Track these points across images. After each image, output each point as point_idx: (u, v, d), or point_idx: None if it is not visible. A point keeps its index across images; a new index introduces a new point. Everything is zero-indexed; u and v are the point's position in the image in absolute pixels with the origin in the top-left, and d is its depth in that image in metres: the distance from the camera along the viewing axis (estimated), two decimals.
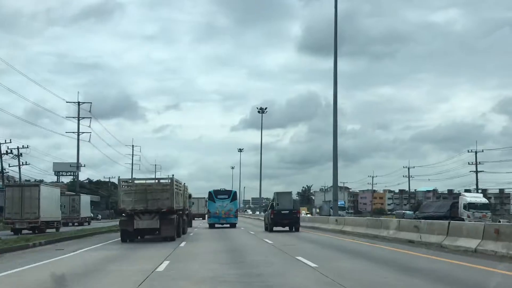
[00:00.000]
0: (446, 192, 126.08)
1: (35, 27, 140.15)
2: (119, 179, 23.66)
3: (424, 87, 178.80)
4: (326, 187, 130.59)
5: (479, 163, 73.59)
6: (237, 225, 40.42)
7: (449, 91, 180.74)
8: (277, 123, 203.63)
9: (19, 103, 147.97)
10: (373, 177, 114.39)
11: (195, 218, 61.86)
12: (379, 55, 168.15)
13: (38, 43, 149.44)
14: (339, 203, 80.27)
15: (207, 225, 40.75)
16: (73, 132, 59.73)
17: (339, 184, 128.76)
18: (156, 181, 24.21)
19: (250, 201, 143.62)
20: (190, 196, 38.18)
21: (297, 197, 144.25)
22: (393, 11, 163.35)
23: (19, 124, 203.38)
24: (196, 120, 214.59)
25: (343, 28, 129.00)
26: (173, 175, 23.86)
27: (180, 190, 26.64)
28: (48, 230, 33.79)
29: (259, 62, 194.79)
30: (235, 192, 42.03)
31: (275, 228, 31.70)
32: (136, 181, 24.12)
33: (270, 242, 21.25)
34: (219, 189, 41.54)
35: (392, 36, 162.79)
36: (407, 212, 77.95)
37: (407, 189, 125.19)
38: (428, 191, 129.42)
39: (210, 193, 41.04)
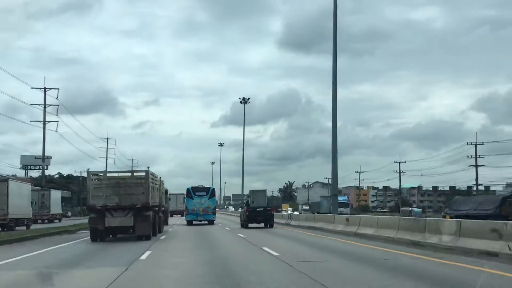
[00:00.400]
0: (431, 189, 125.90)
1: (13, 21, 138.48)
2: (88, 172, 21.47)
3: (404, 84, 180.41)
4: (309, 183, 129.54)
5: (469, 157, 71.60)
6: (215, 222, 40.17)
7: (429, 88, 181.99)
8: (257, 120, 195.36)
9: None
10: (360, 172, 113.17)
11: (173, 215, 60.72)
12: (359, 52, 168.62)
13: (16, 37, 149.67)
14: (342, 198, 76.28)
15: (185, 222, 40.11)
16: (39, 121, 56.30)
17: (321, 181, 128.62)
18: (130, 174, 22.04)
19: (231, 198, 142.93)
20: (166, 191, 36.70)
21: (279, 194, 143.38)
22: (374, 8, 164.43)
23: None
24: (176, 116, 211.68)
25: (324, 25, 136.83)
26: (148, 168, 21.76)
27: (156, 184, 24.59)
28: (18, 228, 31.97)
29: (240, 58, 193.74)
30: (213, 189, 41.84)
31: (250, 225, 32.79)
32: (107, 174, 21.88)
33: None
34: (197, 185, 41.40)
35: (373, 34, 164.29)
36: (415, 209, 73.78)
37: (390, 185, 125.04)
38: (413, 188, 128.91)
39: (188, 190, 40.70)
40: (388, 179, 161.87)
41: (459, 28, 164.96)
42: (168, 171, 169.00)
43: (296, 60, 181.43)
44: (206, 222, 38.83)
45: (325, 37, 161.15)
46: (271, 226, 32.36)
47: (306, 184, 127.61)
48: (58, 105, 56.40)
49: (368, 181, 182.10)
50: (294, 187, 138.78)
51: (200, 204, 39.24)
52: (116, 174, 21.93)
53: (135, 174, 22.01)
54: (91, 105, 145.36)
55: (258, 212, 32.75)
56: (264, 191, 38.03)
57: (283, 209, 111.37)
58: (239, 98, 70.08)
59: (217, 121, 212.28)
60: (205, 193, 39.93)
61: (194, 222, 38.56)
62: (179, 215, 61.71)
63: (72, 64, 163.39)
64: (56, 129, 56.75)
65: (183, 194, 52.89)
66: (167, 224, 36.35)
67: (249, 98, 70.70)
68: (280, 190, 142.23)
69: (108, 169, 69.34)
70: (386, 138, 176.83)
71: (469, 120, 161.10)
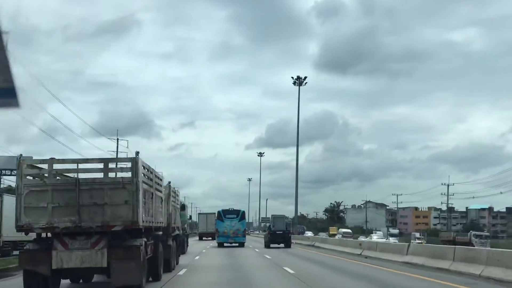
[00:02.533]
0: (505, 210, 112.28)
1: (51, 44, 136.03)
2: (19, 159, 11.55)
3: (442, 106, 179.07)
4: (361, 203, 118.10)
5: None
6: (245, 244, 41.65)
7: (467, 110, 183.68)
8: (292, 142, 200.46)
9: (38, 120, 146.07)
10: (397, 195, 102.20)
11: (203, 238, 57.76)
12: (396, 73, 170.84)
13: (54, 60, 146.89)
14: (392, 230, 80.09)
15: (215, 247, 40.18)
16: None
17: (367, 201, 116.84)
18: (102, 165, 12.11)
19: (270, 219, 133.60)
20: (184, 207, 28.92)
21: (324, 215, 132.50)
22: (412, 29, 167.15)
23: (36, 141, 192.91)
24: (211, 138, 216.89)
25: (360, 47, 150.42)
26: (137, 154, 11.79)
27: (159, 191, 14.82)
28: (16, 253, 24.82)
29: (274, 81, 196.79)
30: (243, 211, 43.37)
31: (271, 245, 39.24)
32: (56, 165, 11.85)
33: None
34: (227, 208, 43.20)
35: (410, 54, 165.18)
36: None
37: (456, 207, 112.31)
38: (483, 209, 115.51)
39: (218, 212, 42.81)
40: (442, 202, 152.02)
41: (498, 49, 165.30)
42: (202, 193, 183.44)
43: (331, 82, 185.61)
44: (237, 244, 40.65)
45: (362, 58, 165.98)
46: (289, 247, 38.57)
47: (356, 205, 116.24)
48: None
49: (407, 204, 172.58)
50: (342, 207, 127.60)
51: (230, 226, 40.93)
52: (73, 166, 12.13)
53: (111, 165, 12.18)
54: (128, 128, 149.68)
55: (277, 234, 39.47)
56: (283, 216, 44.41)
57: (330, 232, 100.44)
58: (292, 78, 65.06)
59: (251, 143, 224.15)
60: (235, 216, 41.67)
61: (224, 244, 40.35)
62: (210, 238, 56.83)
63: (109, 87, 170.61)
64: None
65: (214, 213, 52.39)
66: (184, 252, 27.41)
67: (305, 78, 65.51)
68: (326, 210, 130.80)
69: None
70: (423, 161, 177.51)
71: (509, 142, 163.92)
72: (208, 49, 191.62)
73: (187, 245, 32.28)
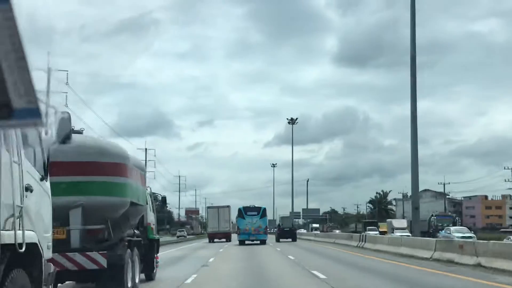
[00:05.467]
0: None
1: (68, 45, 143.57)
2: None
3: (464, 99, 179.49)
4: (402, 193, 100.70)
5: None
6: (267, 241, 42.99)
7: (489, 103, 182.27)
8: (312, 139, 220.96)
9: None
10: (444, 184, 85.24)
11: (215, 240, 51.04)
12: (418, 65, 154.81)
13: (72, 62, 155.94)
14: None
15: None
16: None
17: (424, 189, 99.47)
18: None
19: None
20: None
21: (369, 207, 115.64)
22: (434, 20, 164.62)
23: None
24: (229, 137, 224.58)
25: (381, 38, 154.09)
26: None
27: None
28: None
29: (293, 78, 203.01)
30: (265, 208, 44.77)
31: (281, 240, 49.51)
32: None
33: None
34: (248, 205, 44.90)
35: (433, 46, 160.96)
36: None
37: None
38: None
39: (239, 209, 44.17)
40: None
41: None
42: (222, 192, 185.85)
43: (351, 77, 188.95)
44: (258, 242, 41.90)
45: (382, 51, 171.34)
46: (294, 241, 49.38)
47: (408, 194, 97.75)
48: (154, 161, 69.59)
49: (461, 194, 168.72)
50: (390, 199, 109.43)
51: (251, 224, 42.60)
52: None
53: None
54: (147, 128, 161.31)
55: (285, 231, 51.74)
56: (290, 216, 75.02)
57: (380, 229, 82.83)
58: (287, 119, 77.62)
59: (270, 141, 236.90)
60: (256, 213, 43.44)
61: (246, 242, 41.74)
62: (223, 240, 51.05)
63: (127, 88, 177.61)
64: (154, 177, 66.18)
65: (227, 207, 52.48)
66: (152, 270, 15.41)
67: (296, 119, 78.22)
68: (370, 202, 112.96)
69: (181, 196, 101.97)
70: (445, 155, 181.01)
71: None
72: (225, 47, 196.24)
73: (156, 265, 15.45)
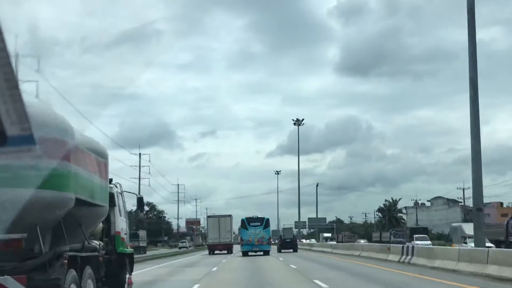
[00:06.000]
0: None
1: (70, 57, 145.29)
2: None
3: (466, 108, 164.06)
4: (415, 200, 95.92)
5: None
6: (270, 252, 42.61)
7: (492, 112, 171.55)
8: (314, 149, 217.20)
9: None
10: (464, 189, 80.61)
11: (216, 252, 49.00)
12: (420, 74, 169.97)
13: (74, 74, 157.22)
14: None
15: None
16: (135, 178, 71.56)
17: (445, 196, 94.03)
18: None
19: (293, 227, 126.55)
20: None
21: (377, 215, 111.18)
22: (437, 29, 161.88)
23: None
24: (232, 147, 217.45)
25: (383, 47, 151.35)
26: None
27: None
28: None
29: (294, 88, 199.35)
30: (268, 219, 44.65)
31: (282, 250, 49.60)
32: None
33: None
34: (251, 216, 44.80)
35: (435, 55, 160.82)
36: None
37: None
38: None
39: (242, 220, 44.40)
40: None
41: None
42: (225, 203, 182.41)
43: (353, 86, 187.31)
44: (262, 252, 42.12)
45: (384, 60, 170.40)
46: (296, 251, 49.73)
47: (419, 201, 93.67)
48: (149, 166, 73.27)
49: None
50: (400, 207, 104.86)
51: (255, 234, 42.56)
52: None
53: None
54: (149, 139, 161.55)
55: (287, 242, 52.20)
56: (291, 228, 72.89)
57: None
58: (293, 120, 77.05)
59: (273, 151, 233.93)
60: (259, 224, 43.51)
61: (249, 253, 41.77)
62: (225, 251, 48.90)
63: (128, 99, 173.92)
64: (149, 184, 76.38)
65: (229, 216, 51.07)
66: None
67: (303, 119, 76.79)
68: (379, 210, 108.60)
69: (180, 207, 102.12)
70: (448, 164, 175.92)
71: None
72: (226, 58, 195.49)
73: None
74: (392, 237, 66.99)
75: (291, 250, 49.60)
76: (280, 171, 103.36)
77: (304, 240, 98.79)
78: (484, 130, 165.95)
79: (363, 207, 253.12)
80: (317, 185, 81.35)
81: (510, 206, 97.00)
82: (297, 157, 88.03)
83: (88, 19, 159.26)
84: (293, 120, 77.12)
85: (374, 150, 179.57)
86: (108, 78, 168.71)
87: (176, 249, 77.96)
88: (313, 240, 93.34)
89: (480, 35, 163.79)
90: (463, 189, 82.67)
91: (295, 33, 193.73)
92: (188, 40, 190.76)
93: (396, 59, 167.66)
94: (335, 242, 67.92)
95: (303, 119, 77.04)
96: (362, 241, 69.09)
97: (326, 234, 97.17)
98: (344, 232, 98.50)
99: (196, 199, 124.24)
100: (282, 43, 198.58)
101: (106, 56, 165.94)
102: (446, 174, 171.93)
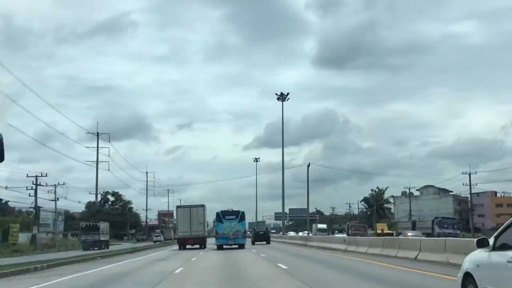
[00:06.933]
0: None
1: (45, 48, 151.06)
2: None
3: (441, 101, 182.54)
4: (409, 189, 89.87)
5: None
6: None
7: (466, 105, 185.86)
8: (291, 141, 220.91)
9: (29, 127, 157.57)
10: (470, 173, 74.92)
11: (187, 247, 45.87)
12: (396, 67, 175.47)
13: (48, 65, 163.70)
14: (321, 226, 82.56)
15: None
16: (91, 161, 73.89)
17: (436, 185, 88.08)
18: None
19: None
20: None
21: (363, 206, 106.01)
22: (413, 22, 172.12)
23: (29, 147, 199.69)
24: (209, 140, 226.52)
25: (360, 39, 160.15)
26: None
27: None
28: None
29: (271, 81, 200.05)
30: (243, 212, 44.08)
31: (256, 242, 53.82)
32: None
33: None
34: (226, 209, 44.16)
35: (411, 48, 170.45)
36: None
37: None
38: None
39: (217, 213, 43.66)
40: None
41: (496, 42, 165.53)
42: (201, 196, 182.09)
43: (330, 79, 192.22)
44: (237, 246, 42.16)
45: (361, 52, 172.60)
46: (269, 243, 53.74)
47: (408, 191, 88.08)
48: (109, 148, 71.37)
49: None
50: (387, 197, 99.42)
51: (230, 228, 42.34)
52: None
53: None
54: (124, 132, 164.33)
55: (260, 235, 56.43)
56: (264, 221, 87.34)
57: (378, 230, 73.22)
58: (276, 94, 72.34)
59: (250, 144, 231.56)
60: (234, 217, 43.04)
61: (224, 247, 41.90)
62: (197, 246, 45.88)
63: (104, 92, 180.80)
64: (108, 169, 76.06)
65: (202, 206, 47.25)
66: None
67: (287, 94, 72.16)
68: (364, 200, 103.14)
69: (148, 199, 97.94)
70: (423, 157, 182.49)
71: (510, 136, 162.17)
72: (203, 50, 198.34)
73: None
74: (437, 227, 57.81)
75: (264, 242, 53.67)
76: (259, 158, 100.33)
77: (293, 233, 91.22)
78: (457, 123, 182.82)
79: (340, 199, 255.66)
80: (308, 165, 74.45)
81: (508, 195, 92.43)
82: (273, 150, 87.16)
83: (62, 9, 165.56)
84: (276, 94, 72.85)
85: (350, 143, 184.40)
86: (83, 69, 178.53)
87: (141, 244, 71.92)
88: (303, 232, 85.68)
89: (455, 28, 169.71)
90: (469, 174, 75.61)
91: (272, 25, 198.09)
92: (165, 31, 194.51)
93: (372, 52, 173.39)
94: (345, 235, 56.04)
95: (288, 93, 72.65)
96: (409, 233, 54.49)
97: (320, 225, 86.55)
98: (350, 222, 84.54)
99: (168, 189, 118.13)
100: (260, 36, 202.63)
101: (81, 48, 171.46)
102: (421, 166, 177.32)
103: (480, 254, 7.50)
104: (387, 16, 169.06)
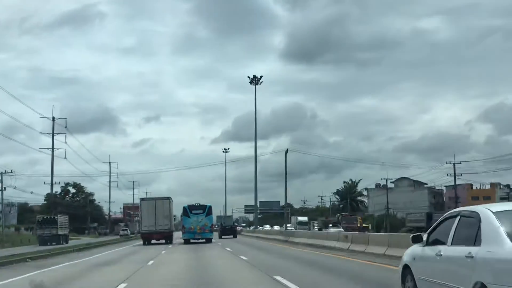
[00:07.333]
0: None
1: (8, 39, 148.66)
2: None
3: (408, 96, 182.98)
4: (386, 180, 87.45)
5: None
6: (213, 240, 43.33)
7: (433, 100, 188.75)
8: (259, 135, 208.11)
9: None
10: (454, 163, 72.64)
11: (152, 241, 43.52)
12: (364, 62, 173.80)
13: (12, 57, 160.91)
14: (301, 219, 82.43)
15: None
16: (47, 148, 66.46)
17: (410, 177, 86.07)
18: None
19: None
20: None
21: (336, 198, 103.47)
22: (383, 17, 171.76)
23: None
24: (176, 133, 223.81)
25: (329, 34, 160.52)
26: None
27: None
28: None
29: (240, 74, 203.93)
30: (210, 206, 44.27)
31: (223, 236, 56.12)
32: None
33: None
34: (193, 203, 44.64)
35: (379, 43, 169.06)
36: None
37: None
38: None
39: (184, 208, 43.84)
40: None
41: (463, 38, 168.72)
42: (168, 190, 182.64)
43: (298, 74, 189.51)
44: (204, 240, 42.45)
45: (330, 47, 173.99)
46: (235, 237, 56.29)
47: (385, 182, 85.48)
48: (65, 134, 67.35)
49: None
50: (360, 190, 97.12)
51: (197, 222, 42.41)
52: None
53: None
54: (91, 124, 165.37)
55: (227, 229, 59.16)
56: (231, 216, 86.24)
57: (363, 225, 70.43)
58: (248, 77, 68.61)
59: (218, 137, 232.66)
60: (201, 211, 43.17)
61: (191, 241, 41.97)
62: (163, 241, 43.65)
63: (70, 84, 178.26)
64: (65, 157, 68.39)
65: (167, 199, 45.71)
66: None
67: (261, 77, 68.57)
68: (337, 193, 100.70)
69: (111, 192, 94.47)
70: (390, 151, 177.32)
71: (474, 131, 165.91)
72: (172, 42, 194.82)
73: None
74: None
75: (231, 236, 55.75)
76: (228, 148, 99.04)
77: (268, 227, 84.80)
78: (424, 118, 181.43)
79: (309, 193, 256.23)
80: (286, 151, 70.32)
81: (483, 188, 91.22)
82: (242, 144, 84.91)
83: (28, 0, 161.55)
84: (249, 77, 68.44)
85: (318, 138, 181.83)
86: (48, 61, 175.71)
87: (102, 239, 68.85)
88: (277, 226, 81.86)
89: (423, 24, 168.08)
90: (454, 164, 72.76)
91: (241, 18, 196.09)
92: (132, 23, 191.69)
93: (341, 46, 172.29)
94: (342, 230, 51.36)
95: (261, 76, 68.51)
96: (332, 229, 52.69)
97: (301, 218, 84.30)
98: (340, 214, 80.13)
99: (133, 181, 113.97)
100: (228, 29, 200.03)
101: (46, 38, 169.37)
102: (388, 160, 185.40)
103: (416, 249, 8.45)
104: (357, 11, 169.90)
